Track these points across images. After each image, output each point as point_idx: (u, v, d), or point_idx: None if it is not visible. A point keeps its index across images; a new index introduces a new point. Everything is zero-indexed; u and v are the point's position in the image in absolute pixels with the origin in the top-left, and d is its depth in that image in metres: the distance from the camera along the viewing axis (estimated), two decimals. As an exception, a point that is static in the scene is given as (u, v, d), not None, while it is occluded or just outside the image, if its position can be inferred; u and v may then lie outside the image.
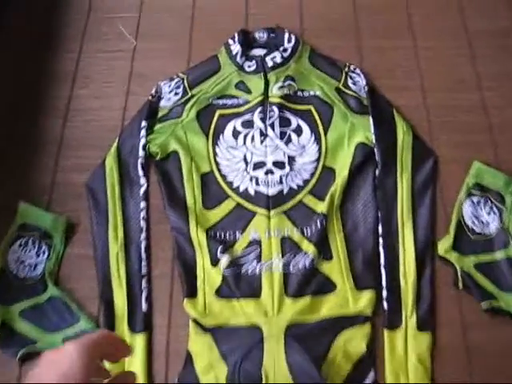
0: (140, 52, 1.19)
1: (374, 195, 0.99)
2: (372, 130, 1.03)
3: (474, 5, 1.24)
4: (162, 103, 1.10)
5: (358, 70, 1.11)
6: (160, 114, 1.08)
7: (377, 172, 1.00)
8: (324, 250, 0.95)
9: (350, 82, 1.09)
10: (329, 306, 0.90)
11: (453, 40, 1.19)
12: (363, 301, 0.90)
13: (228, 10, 1.25)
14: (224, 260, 0.92)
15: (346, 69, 1.11)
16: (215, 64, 1.13)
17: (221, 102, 1.10)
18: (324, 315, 0.90)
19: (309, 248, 0.93)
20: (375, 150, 1.01)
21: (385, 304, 0.90)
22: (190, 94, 1.09)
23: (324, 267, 0.93)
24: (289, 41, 1.13)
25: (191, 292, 0.92)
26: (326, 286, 0.92)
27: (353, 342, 0.88)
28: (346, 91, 1.08)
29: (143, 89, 1.12)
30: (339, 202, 0.98)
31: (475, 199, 0.99)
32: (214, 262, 0.93)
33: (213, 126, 1.07)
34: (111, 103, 1.13)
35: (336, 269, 0.93)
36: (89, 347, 0.49)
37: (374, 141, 1.02)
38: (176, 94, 1.10)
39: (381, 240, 0.95)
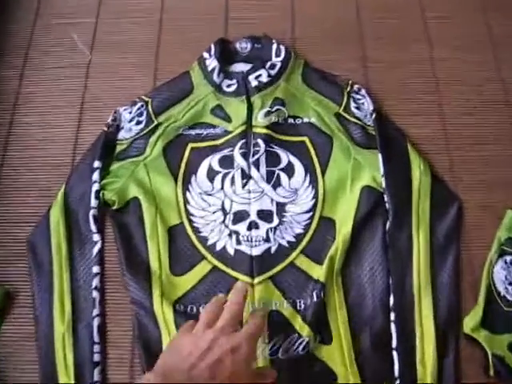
0: (96, 67, 0.98)
1: (384, 255, 0.79)
2: (381, 170, 0.83)
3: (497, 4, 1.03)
4: (121, 135, 0.89)
5: (363, 91, 0.90)
6: (118, 150, 0.88)
7: (387, 224, 0.80)
8: (322, 330, 0.75)
9: (352, 105, 0.89)
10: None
11: (476, 50, 0.98)
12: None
13: (204, 13, 1.03)
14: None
15: (349, 88, 0.90)
16: (187, 83, 0.92)
17: (193, 132, 0.89)
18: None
19: (303, 329, 0.74)
20: (385, 195, 0.81)
21: (398, 399, 0.72)
22: (155, 122, 0.88)
23: (322, 353, 0.74)
24: (277, 54, 0.92)
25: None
26: (325, 377, 0.73)
27: None
28: (349, 118, 0.88)
29: (99, 115, 0.91)
30: (340, 265, 0.79)
31: (509, 259, 0.79)
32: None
33: (183, 165, 0.86)
34: (59, 134, 0.92)
35: (337, 355, 0.74)
36: None
37: (383, 184, 0.82)
38: (138, 122, 0.89)
39: (392, 315, 0.75)
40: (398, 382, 0.72)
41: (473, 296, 0.78)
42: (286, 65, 0.91)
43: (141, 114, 0.89)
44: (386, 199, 0.81)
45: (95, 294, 0.78)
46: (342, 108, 0.89)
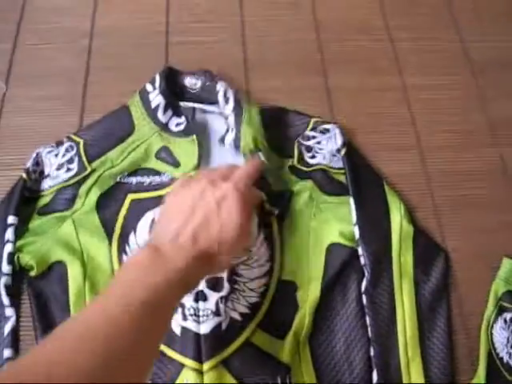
0: (13, 101, 0.80)
1: (361, 320, 0.64)
2: (353, 218, 0.68)
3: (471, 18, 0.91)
4: (45, 183, 0.72)
5: (328, 126, 0.75)
6: (40, 203, 0.70)
7: (363, 285, 0.65)
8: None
9: (307, 156, 0.74)
10: None
11: (454, 73, 0.86)
12: None
13: (141, 37, 0.87)
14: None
15: (309, 128, 0.76)
16: (126, 121, 0.75)
17: (134, 180, 0.72)
18: None
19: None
20: (359, 247, 0.67)
21: None
22: (89, 169, 0.72)
23: None
24: (226, 101, 0.75)
25: None
26: None
27: None
28: (305, 169, 0.74)
29: (16, 160, 0.74)
30: (307, 339, 0.63)
31: (509, 316, 0.65)
32: None
33: (120, 221, 0.69)
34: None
35: None
36: None
37: (356, 234, 0.67)
38: (68, 169, 0.72)
39: None
40: None
41: (469, 362, 0.64)
42: (240, 114, 0.73)
43: (71, 160, 0.72)
44: (360, 252, 0.66)
45: (6, 386, 0.61)
46: (296, 160, 0.74)
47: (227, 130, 0.74)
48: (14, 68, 0.84)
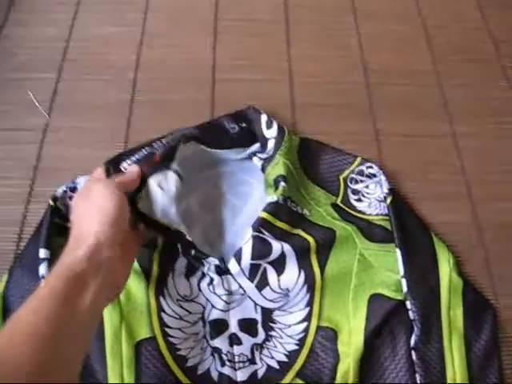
0: (54, 131, 0.78)
1: (410, 380, 0.59)
2: (401, 271, 0.64)
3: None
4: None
5: (375, 169, 0.72)
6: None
7: (412, 341, 0.61)
8: None
9: (352, 198, 0.71)
10: None
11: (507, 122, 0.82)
12: None
13: (187, 73, 0.85)
14: None
15: (355, 165, 0.73)
16: None
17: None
18: None
19: None
20: (409, 304, 0.62)
21: None
22: None
23: None
24: (268, 126, 0.72)
25: None
26: None
27: None
28: (348, 210, 0.70)
29: (52, 191, 0.69)
30: (355, 390, 0.59)
31: None
32: None
33: (157, 258, 0.65)
34: (5, 214, 0.71)
35: None
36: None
37: (404, 287, 0.63)
38: None
39: None
40: None
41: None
42: (281, 138, 0.70)
43: None
44: (409, 306, 0.62)
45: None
46: (340, 199, 0.71)
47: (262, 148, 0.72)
48: (57, 98, 0.82)
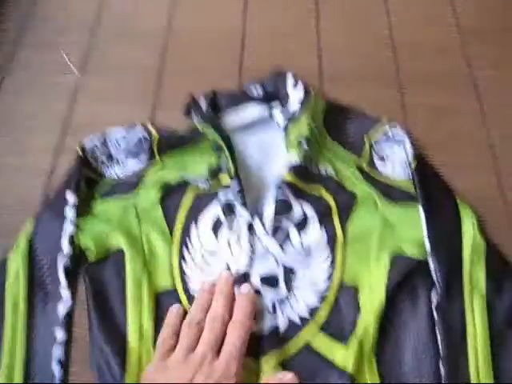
0: (85, 90, 0.78)
1: (431, 339, 0.58)
2: (424, 231, 0.62)
3: None
4: (112, 170, 0.69)
5: (400, 131, 0.70)
6: (105, 188, 0.68)
7: (434, 300, 0.59)
8: None
9: (376, 158, 0.70)
10: None
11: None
12: None
13: (216, 40, 0.84)
14: None
15: (381, 126, 0.71)
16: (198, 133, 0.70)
17: (199, 176, 0.68)
18: None
19: None
20: (431, 264, 0.60)
21: None
22: (158, 162, 0.69)
23: None
24: (295, 86, 0.71)
25: None
26: None
27: None
28: (371, 174, 0.69)
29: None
30: (373, 350, 0.57)
31: None
32: None
33: (182, 214, 0.66)
34: (33, 163, 0.72)
35: None
36: None
37: (427, 249, 0.61)
38: (138, 159, 0.69)
39: None
40: None
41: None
42: (307, 99, 0.70)
43: (142, 150, 0.69)
44: (431, 267, 0.60)
45: (55, 368, 0.56)
46: (364, 162, 0.70)
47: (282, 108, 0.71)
48: (90, 60, 0.82)
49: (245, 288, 0.59)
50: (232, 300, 0.58)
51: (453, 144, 0.74)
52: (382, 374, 0.56)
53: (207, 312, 0.56)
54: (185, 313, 0.58)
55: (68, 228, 0.62)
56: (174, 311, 0.58)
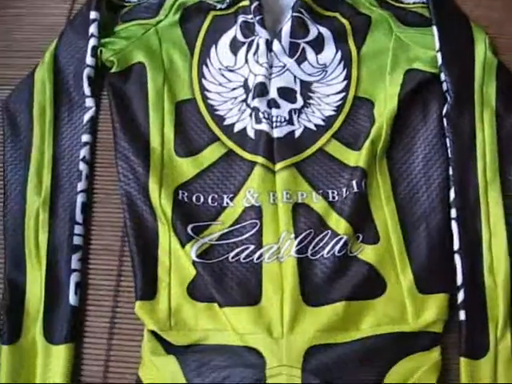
0: None
1: (440, 143, 0.59)
2: (436, 45, 0.63)
3: None
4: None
5: None
6: (126, 11, 0.68)
7: (445, 107, 0.60)
8: (364, 228, 0.55)
9: None
10: (374, 319, 0.51)
11: None
12: (429, 312, 0.51)
13: None
14: (199, 242, 0.54)
15: None
16: None
17: None
18: (366, 333, 0.51)
19: (339, 225, 0.54)
20: (443, 75, 0.61)
21: (462, 315, 0.51)
22: None
23: (366, 255, 0.54)
24: None
25: (149, 288, 0.53)
26: (370, 286, 0.53)
27: (414, 379, 0.50)
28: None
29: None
30: (385, 149, 0.59)
31: None
32: (185, 242, 0.54)
33: (202, 34, 0.66)
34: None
35: (385, 258, 0.54)
36: None
37: (439, 61, 0.62)
38: None
39: (453, 211, 0.55)
40: (460, 292, 0.52)
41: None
42: None
43: None
44: (442, 78, 0.61)
45: (82, 166, 0.58)
46: None
47: None
48: None
49: None
50: None
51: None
52: (393, 173, 0.58)
53: None
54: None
55: (91, 42, 0.63)
56: None
